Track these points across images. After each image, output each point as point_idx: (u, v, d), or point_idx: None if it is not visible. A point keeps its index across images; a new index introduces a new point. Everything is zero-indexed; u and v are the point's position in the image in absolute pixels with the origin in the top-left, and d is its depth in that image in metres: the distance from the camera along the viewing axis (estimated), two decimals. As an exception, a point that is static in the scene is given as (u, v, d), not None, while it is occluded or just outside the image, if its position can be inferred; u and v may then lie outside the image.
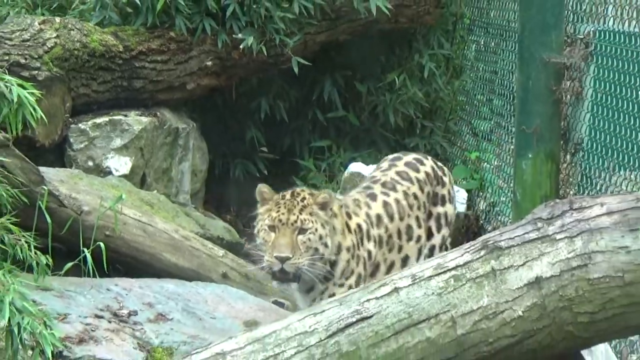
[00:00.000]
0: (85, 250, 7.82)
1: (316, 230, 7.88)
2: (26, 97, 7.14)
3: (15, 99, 7.08)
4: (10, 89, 7.09)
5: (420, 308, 5.88)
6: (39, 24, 9.49)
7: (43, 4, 10.18)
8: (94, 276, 7.88)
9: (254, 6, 9.79)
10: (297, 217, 7.75)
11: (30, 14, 10.03)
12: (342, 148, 11.81)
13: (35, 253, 7.44)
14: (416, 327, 5.87)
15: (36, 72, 8.62)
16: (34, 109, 7.20)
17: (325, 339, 5.93)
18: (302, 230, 7.69)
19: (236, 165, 9.55)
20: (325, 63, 11.26)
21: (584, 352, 6.16)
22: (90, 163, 9.33)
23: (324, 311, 6.06)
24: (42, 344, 6.76)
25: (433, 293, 5.90)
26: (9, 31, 9.25)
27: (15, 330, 6.57)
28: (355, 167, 10.90)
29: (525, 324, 5.81)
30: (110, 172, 9.30)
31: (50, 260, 7.39)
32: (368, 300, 6.00)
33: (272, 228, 7.72)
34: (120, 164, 9.41)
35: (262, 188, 8.15)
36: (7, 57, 8.77)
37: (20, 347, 6.72)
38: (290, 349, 5.94)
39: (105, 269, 7.94)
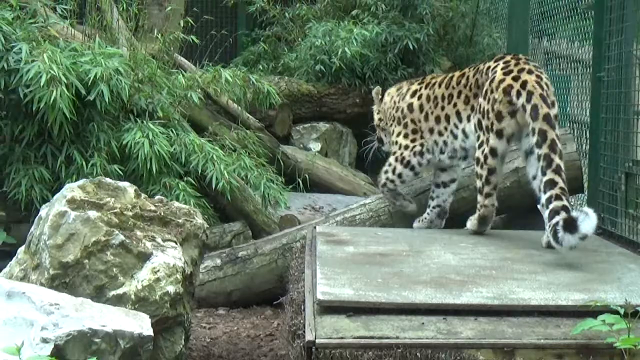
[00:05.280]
0: (299, 179, 7.80)
1: None
2: (271, 91, 7.25)
3: (266, 91, 7.19)
4: (266, 87, 7.19)
5: (459, 182, 5.79)
6: (278, 79, 9.59)
7: (282, 73, 10.19)
8: (302, 191, 7.88)
9: (377, 74, 9.65)
10: None
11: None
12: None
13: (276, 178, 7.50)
14: (456, 192, 5.78)
15: (276, 102, 8.63)
16: (275, 96, 7.31)
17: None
18: None
19: (369, 152, 9.47)
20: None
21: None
22: (301, 145, 9.37)
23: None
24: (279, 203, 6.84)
25: (466, 175, 5.82)
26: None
27: (266, 197, 6.66)
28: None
29: (511, 190, 5.77)
30: (310, 149, 9.32)
31: (283, 181, 7.40)
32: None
33: None
34: (315, 146, 9.39)
35: None
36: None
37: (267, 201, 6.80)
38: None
39: (308, 188, 7.94)
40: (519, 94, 4.80)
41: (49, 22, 6.59)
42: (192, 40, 7.45)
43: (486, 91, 5.03)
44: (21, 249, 4.41)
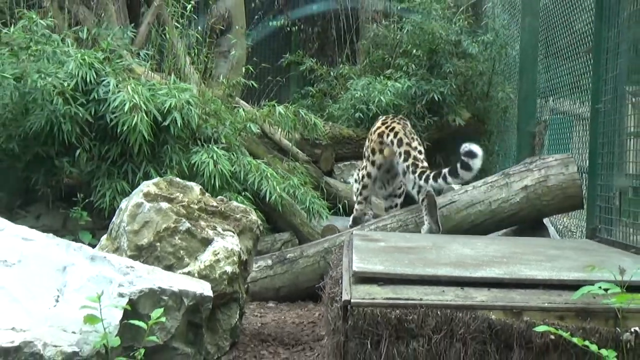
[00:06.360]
0: (339, 205, 7.80)
1: None
2: (318, 123, 7.26)
3: (313, 123, 7.21)
4: (313, 120, 7.21)
5: (476, 197, 5.81)
6: (323, 124, 9.55)
7: (327, 120, 10.18)
8: (342, 215, 7.86)
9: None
10: None
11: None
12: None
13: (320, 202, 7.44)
14: (473, 206, 5.79)
15: (322, 142, 8.64)
16: (321, 128, 7.33)
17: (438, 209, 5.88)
18: None
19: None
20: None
21: (545, 220, 6.03)
22: (342, 180, 9.33)
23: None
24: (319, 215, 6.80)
25: (482, 192, 5.83)
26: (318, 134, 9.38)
27: (310, 210, 6.65)
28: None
29: (520, 205, 5.71)
30: (349, 183, 9.26)
31: (326, 204, 7.37)
32: (454, 195, 5.96)
33: None
34: (353, 180, 9.37)
35: None
36: (315, 137, 8.57)
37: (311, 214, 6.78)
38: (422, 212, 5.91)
39: (347, 212, 7.91)
40: (388, 135, 6.07)
41: (134, 61, 6.72)
42: (252, 85, 7.55)
43: (369, 137, 6.39)
44: (103, 237, 4.46)
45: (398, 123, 6.20)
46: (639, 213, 5.01)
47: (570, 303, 3.16)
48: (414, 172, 5.73)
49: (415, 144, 5.99)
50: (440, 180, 5.49)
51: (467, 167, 5.29)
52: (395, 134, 6.03)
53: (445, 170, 5.46)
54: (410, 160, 5.81)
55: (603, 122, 5.46)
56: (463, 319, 3.14)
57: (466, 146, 5.30)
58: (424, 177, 5.64)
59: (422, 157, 5.88)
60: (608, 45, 5.45)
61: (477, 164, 5.27)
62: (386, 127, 6.17)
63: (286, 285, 5.90)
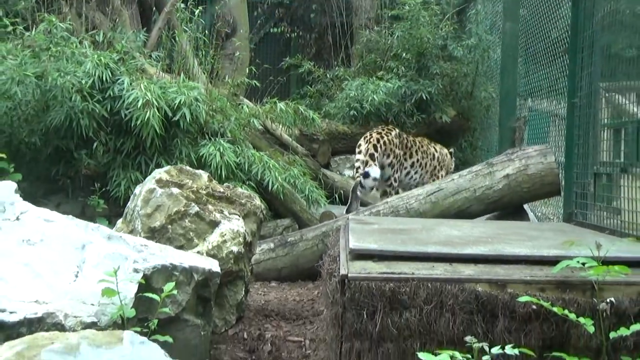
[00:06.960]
0: (335, 195, 7.75)
1: None
2: (315, 118, 7.23)
3: (311, 117, 7.17)
4: (311, 115, 7.18)
5: (462, 185, 5.77)
6: (320, 121, 9.51)
7: (324, 117, 10.11)
8: (338, 204, 7.82)
9: (398, 118, 9.67)
10: None
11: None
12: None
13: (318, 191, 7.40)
14: (459, 193, 5.75)
15: (319, 137, 8.61)
16: (318, 122, 7.30)
17: (426, 196, 5.87)
18: None
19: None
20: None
21: (525, 206, 6.01)
22: (338, 172, 9.31)
23: (425, 187, 6.01)
24: (317, 202, 6.77)
25: (467, 180, 5.79)
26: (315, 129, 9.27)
27: (310, 199, 6.60)
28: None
29: (502, 192, 5.67)
30: (344, 175, 9.25)
31: (324, 193, 7.34)
32: (441, 183, 5.92)
33: None
34: (348, 173, 9.35)
35: None
36: (313, 132, 8.62)
37: (310, 202, 6.75)
38: (412, 199, 5.90)
39: (343, 202, 7.87)
40: (366, 140, 7.06)
41: (146, 62, 6.68)
42: (255, 84, 7.51)
43: None
44: (119, 220, 4.43)
45: (379, 132, 7.13)
46: (612, 198, 5.00)
47: (551, 276, 3.15)
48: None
49: (376, 154, 7.01)
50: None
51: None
52: (369, 140, 7.01)
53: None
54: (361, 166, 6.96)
55: (579, 116, 5.45)
56: (452, 291, 3.12)
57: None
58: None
59: (370, 161, 6.92)
60: (583, 45, 5.44)
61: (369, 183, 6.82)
62: (369, 134, 7.15)
63: (287, 266, 5.87)
